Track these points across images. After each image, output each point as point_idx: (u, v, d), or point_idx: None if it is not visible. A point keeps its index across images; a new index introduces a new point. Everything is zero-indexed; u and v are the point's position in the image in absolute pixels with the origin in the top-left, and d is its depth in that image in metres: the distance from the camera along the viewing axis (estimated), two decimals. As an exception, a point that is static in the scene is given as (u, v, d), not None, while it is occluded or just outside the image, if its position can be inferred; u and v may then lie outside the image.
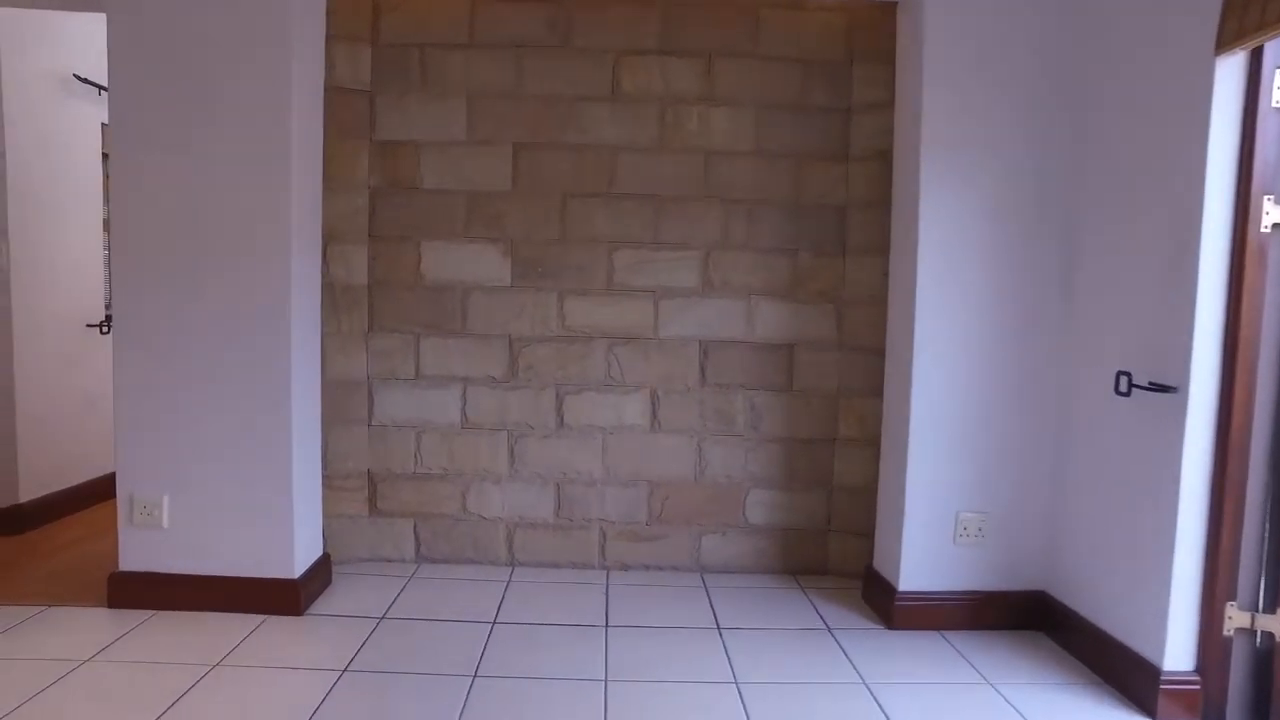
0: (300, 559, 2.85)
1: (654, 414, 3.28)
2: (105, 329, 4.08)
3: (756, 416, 3.29)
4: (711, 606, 3.00)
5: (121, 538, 2.84)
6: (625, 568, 3.32)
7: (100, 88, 3.98)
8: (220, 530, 2.80)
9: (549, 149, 3.21)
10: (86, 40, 3.92)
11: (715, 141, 3.22)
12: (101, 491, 4.10)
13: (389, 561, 3.32)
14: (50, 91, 3.75)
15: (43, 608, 2.84)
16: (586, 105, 3.21)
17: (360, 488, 3.28)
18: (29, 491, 3.68)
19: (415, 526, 3.32)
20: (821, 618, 2.93)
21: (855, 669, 2.55)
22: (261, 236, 2.72)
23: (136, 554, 2.83)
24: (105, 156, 4.13)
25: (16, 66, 3.55)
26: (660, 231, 3.24)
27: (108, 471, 4.12)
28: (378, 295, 3.23)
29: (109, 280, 4.06)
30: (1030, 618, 2.81)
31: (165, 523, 2.81)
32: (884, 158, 3.14)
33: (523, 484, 3.30)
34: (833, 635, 2.79)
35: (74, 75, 3.85)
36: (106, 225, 4.15)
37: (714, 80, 3.21)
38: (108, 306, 4.15)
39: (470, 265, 3.24)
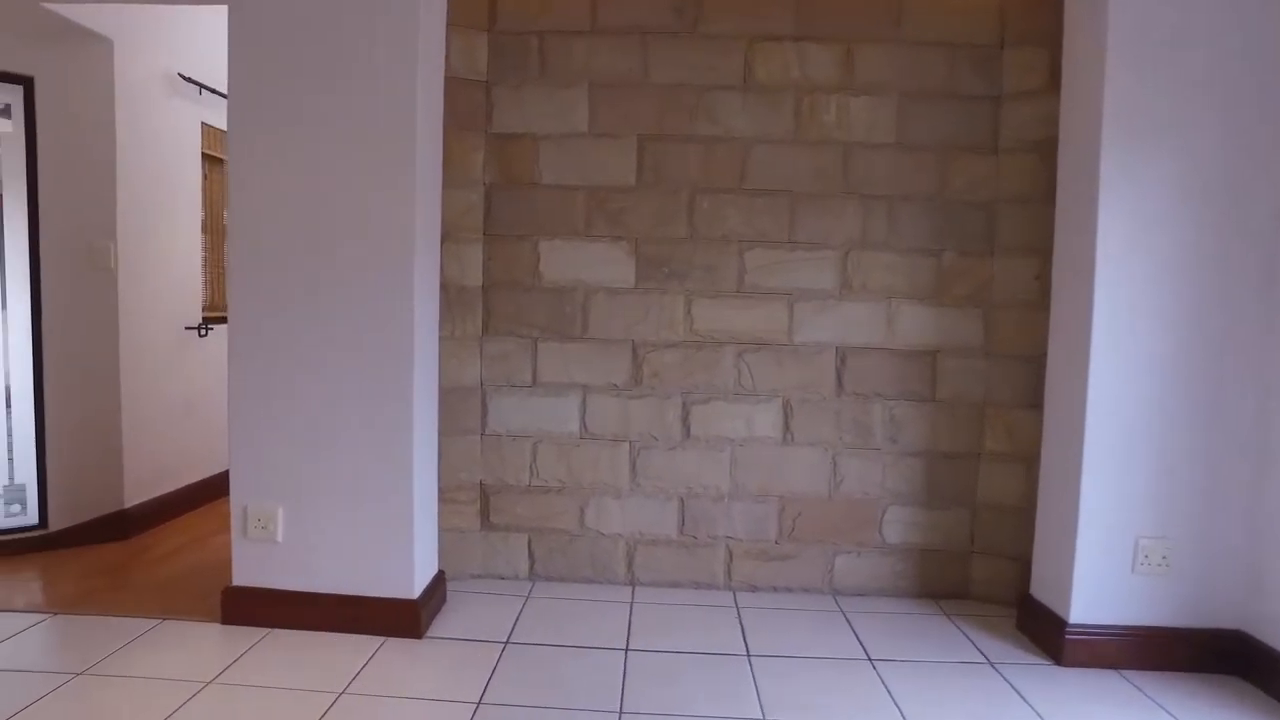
0: (419, 577, 2.66)
1: (786, 425, 3.03)
2: (203, 332, 3.96)
3: (895, 428, 3.01)
4: (855, 634, 2.74)
5: (235, 552, 2.68)
6: (753, 588, 3.07)
7: (201, 87, 3.85)
8: (337, 546, 2.62)
9: (676, 141, 2.98)
10: (187, 39, 3.79)
11: (854, 133, 2.95)
12: (199, 496, 3.98)
13: (501, 579, 3.12)
14: (156, 91, 3.62)
15: (157, 620, 2.69)
16: (716, 95, 2.97)
17: (472, 500, 3.08)
18: (133, 496, 3.56)
19: (529, 542, 3.11)
20: (979, 650, 2.64)
21: (1034, 710, 2.27)
22: (384, 237, 2.53)
23: (250, 569, 2.66)
24: (204, 157, 4.00)
25: (128, 65, 3.43)
26: (795, 230, 2.99)
27: (205, 477, 4.00)
28: (493, 297, 3.03)
29: (207, 283, 3.93)
30: (1225, 660, 2.49)
31: (279, 537, 2.64)
32: (1039, 149, 2.84)
33: (644, 498, 3.07)
34: (998, 671, 2.50)
35: (178, 74, 3.72)
36: (204, 227, 4.03)
37: (853, 67, 2.94)
38: (205, 310, 4.03)
39: (592, 266, 3.02)
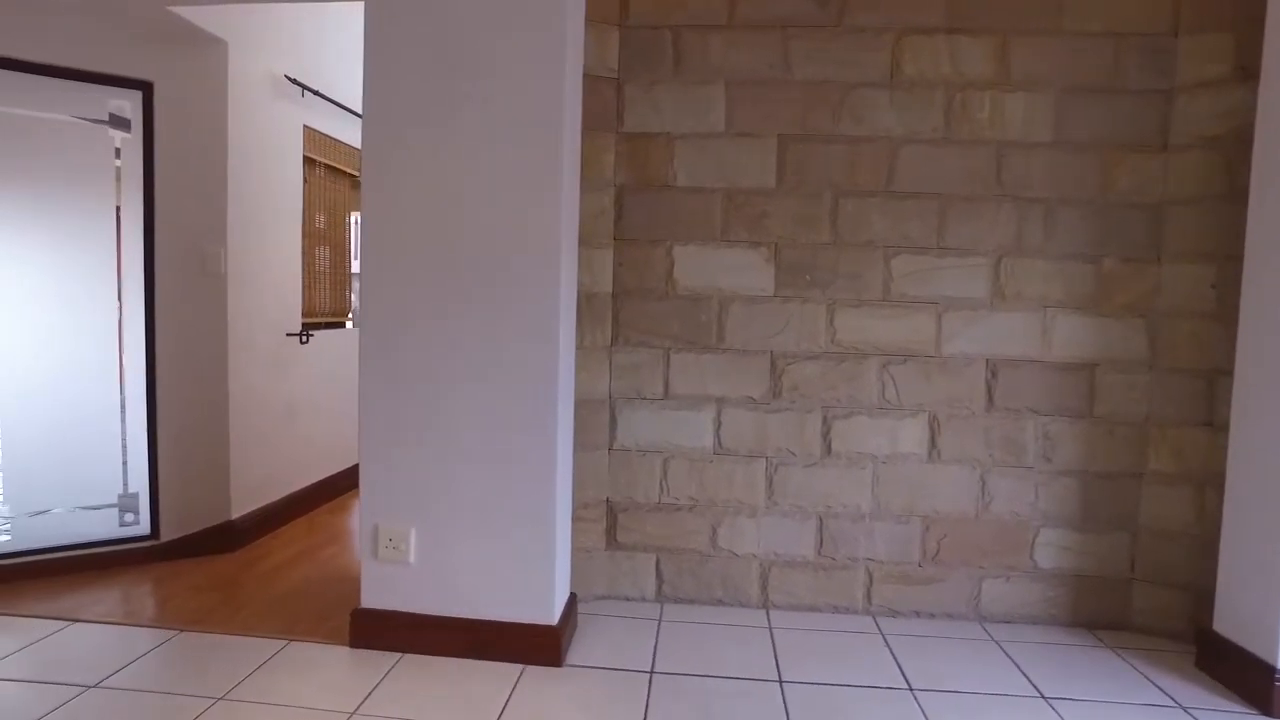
0: (559, 602, 2.49)
1: (932, 441, 2.82)
2: (305, 339, 3.84)
3: (1049, 446, 2.79)
4: (1018, 667, 2.52)
5: (365, 573, 2.53)
6: (893, 613, 2.87)
7: (304, 88, 3.74)
8: (472, 568, 2.47)
9: (818, 141, 2.79)
10: (291, 39, 3.69)
11: (1009, 131, 2.74)
12: (300, 506, 3.87)
13: (627, 600, 2.95)
14: (263, 93, 3.51)
15: (283, 642, 2.56)
16: (861, 92, 2.77)
17: (599, 519, 2.91)
18: (240, 507, 3.45)
19: (658, 562, 2.93)
20: (1162, 691, 2.41)
21: (1248, 765, 2.03)
22: (528, 244, 2.37)
23: (380, 591, 2.52)
24: (305, 160, 3.89)
25: (240, 68, 3.32)
26: (944, 235, 2.78)
27: (305, 485, 3.89)
28: (624, 305, 2.86)
29: (306, 289, 3.82)
30: None
31: (411, 558, 2.49)
32: (1216, 145, 2.60)
33: (780, 517, 2.88)
34: (1193, 718, 2.27)
35: (284, 76, 3.61)
36: (305, 232, 3.92)
37: (1009, 61, 2.72)
38: (305, 316, 3.93)
39: (728, 272, 2.84)
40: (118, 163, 3.10)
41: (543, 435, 2.41)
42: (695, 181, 2.83)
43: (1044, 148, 2.73)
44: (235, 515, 3.41)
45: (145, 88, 3.10)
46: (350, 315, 4.52)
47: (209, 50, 3.20)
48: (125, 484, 3.21)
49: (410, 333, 2.42)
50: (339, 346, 4.27)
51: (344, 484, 4.34)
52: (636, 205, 2.84)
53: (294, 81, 3.66)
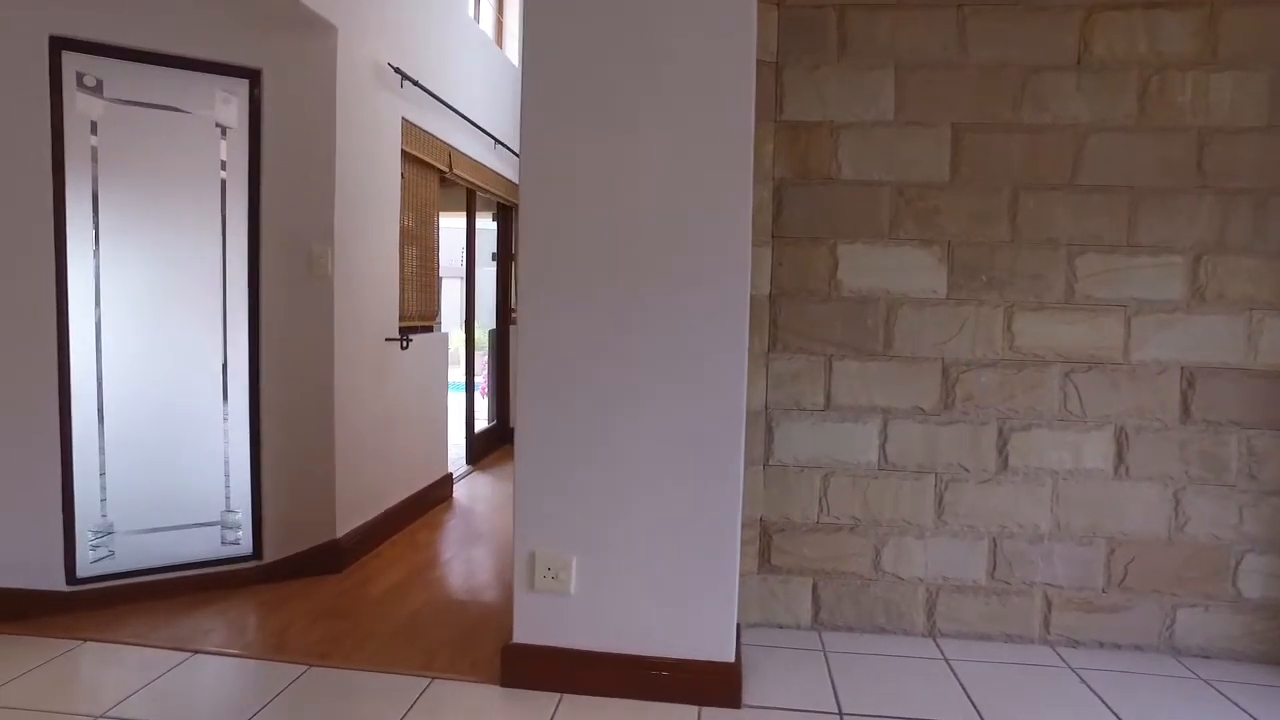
0: (733, 635, 2.23)
1: (1119, 456, 2.55)
2: (405, 344, 3.59)
3: (1255, 462, 2.51)
4: (1249, 715, 2.24)
5: (518, 605, 2.27)
6: (1074, 643, 2.60)
7: (404, 77, 3.49)
8: (640, 599, 2.20)
9: (996, 130, 2.52)
10: (396, 26, 3.44)
11: (1214, 116, 2.47)
12: (396, 522, 3.62)
13: (780, 628, 2.68)
14: (367, 83, 3.27)
15: (425, 679, 2.31)
16: (1045, 76, 2.50)
17: (752, 540, 2.65)
18: (344, 524, 3.20)
19: (815, 587, 2.67)
20: None
21: None
22: (717, 240, 2.11)
23: (535, 625, 2.26)
24: (404, 155, 3.64)
25: (348, 55, 3.07)
26: (1135, 231, 2.51)
27: (401, 500, 3.64)
28: (783, 308, 2.60)
29: (401, 291, 3.57)
30: None
31: (572, 589, 2.23)
32: None
33: (950, 538, 2.61)
34: None
35: (388, 64, 3.36)
36: (404, 232, 3.67)
37: (1215, 37, 2.46)
38: (402, 319, 3.67)
39: (897, 272, 2.57)
40: (222, 157, 2.85)
41: (726, 452, 2.15)
42: (861, 174, 2.57)
43: (1255, 133, 2.46)
44: (340, 533, 3.16)
45: (253, 76, 2.86)
46: (436, 320, 4.26)
47: (320, 36, 2.95)
48: (227, 500, 2.96)
49: (575, 341, 2.16)
50: (428, 352, 4.02)
51: (434, 497, 4.09)
52: (797, 200, 2.58)
53: (397, 70, 3.41)
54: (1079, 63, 2.49)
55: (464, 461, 4.99)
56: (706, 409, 2.14)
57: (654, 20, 2.06)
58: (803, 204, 2.58)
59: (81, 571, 2.72)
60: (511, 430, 5.77)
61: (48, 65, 2.51)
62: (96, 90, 2.62)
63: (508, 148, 5.10)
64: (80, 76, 2.59)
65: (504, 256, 5.67)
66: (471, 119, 4.38)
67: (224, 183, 2.86)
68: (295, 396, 3.02)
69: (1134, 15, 2.46)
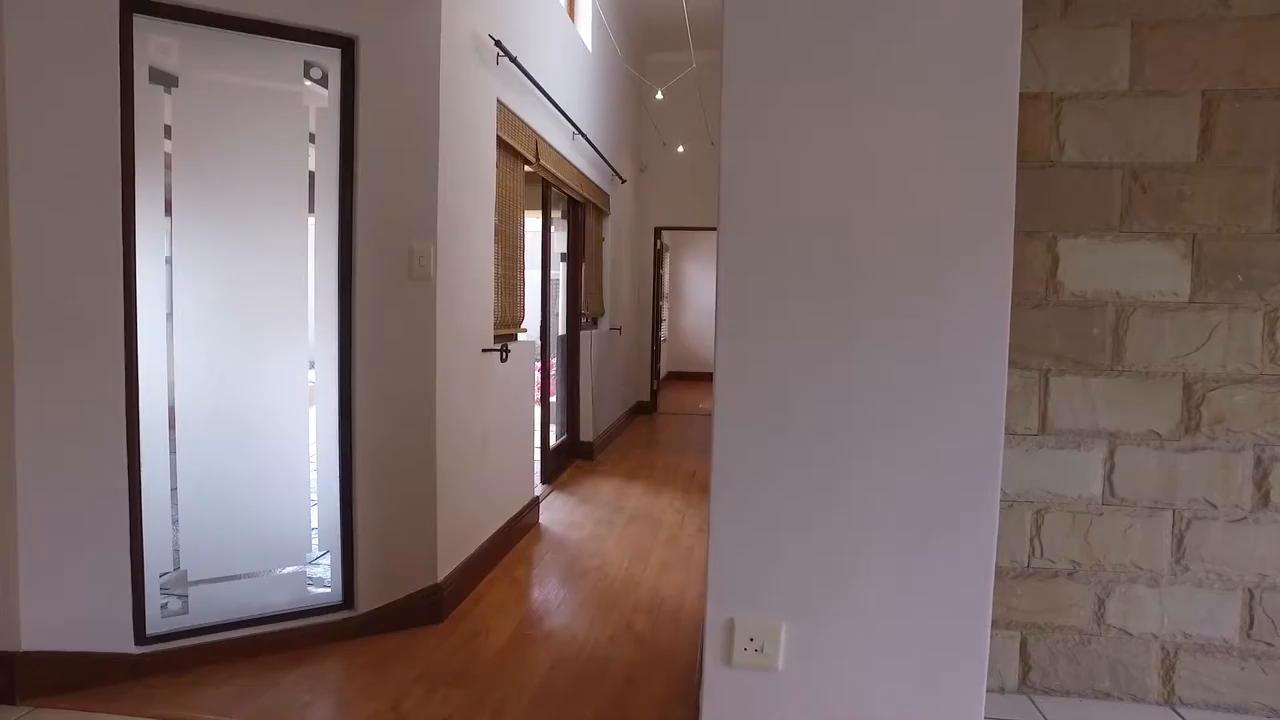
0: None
1: (1401, 490, 2.09)
2: (505, 355, 3.14)
3: None
4: None
5: (709, 682, 1.82)
6: (1341, 714, 2.14)
7: (502, 52, 3.04)
8: (867, 676, 1.74)
9: (1264, 98, 2.07)
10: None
11: None
12: (491, 557, 3.17)
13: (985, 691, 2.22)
14: (466, 58, 2.81)
15: (587, 771, 1.84)
16: (1316, 32, 2.05)
17: (951, 587, 2.19)
18: (445, 564, 2.74)
19: (1024, 643, 2.22)
20: None
21: None
22: (969, 236, 1.64)
23: (733, 708, 1.80)
24: (499, 142, 3.19)
25: (450, 25, 2.62)
26: None
27: (494, 531, 3.18)
28: (992, 315, 2.14)
29: (497, 294, 3.12)
30: None
31: (779, 663, 1.76)
32: None
33: (1193, 588, 2.16)
34: None
35: (489, 36, 2.91)
36: (497, 232, 3.22)
37: None
38: (497, 327, 3.22)
39: (1130, 271, 2.12)
40: (311, 139, 2.40)
41: (980, 496, 1.69)
42: (1087, 155, 2.12)
43: None
44: (441, 575, 2.70)
45: (346, 45, 2.41)
46: (522, 326, 3.81)
47: (421, 2, 2.50)
48: (315, 541, 2.51)
49: (790, 364, 1.70)
50: (518, 362, 3.57)
51: (523, 524, 3.64)
52: (1009, 185, 2.12)
53: (497, 43, 2.96)
54: (1356, 18, 2.04)
55: (539, 480, 4.54)
56: (957, 444, 1.68)
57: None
58: (1016, 192, 2.12)
59: (152, 628, 2.28)
60: (583, 445, 5.30)
61: (118, 30, 2.06)
62: (168, 58, 2.18)
63: (586, 138, 4.65)
64: (152, 45, 2.14)
65: (574, 256, 5.22)
66: (559, 104, 3.93)
67: (312, 174, 2.41)
68: (392, 418, 2.57)
69: None
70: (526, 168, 3.80)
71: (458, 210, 2.79)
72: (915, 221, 1.61)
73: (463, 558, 2.92)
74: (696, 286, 11.93)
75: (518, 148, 3.50)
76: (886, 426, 1.64)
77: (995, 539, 1.66)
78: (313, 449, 2.52)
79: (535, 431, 3.98)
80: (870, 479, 1.67)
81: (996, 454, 1.64)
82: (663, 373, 10.14)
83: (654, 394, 8.11)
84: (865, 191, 1.62)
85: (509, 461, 3.47)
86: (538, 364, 4.38)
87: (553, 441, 4.97)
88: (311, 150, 2.42)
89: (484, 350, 3.09)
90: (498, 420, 3.27)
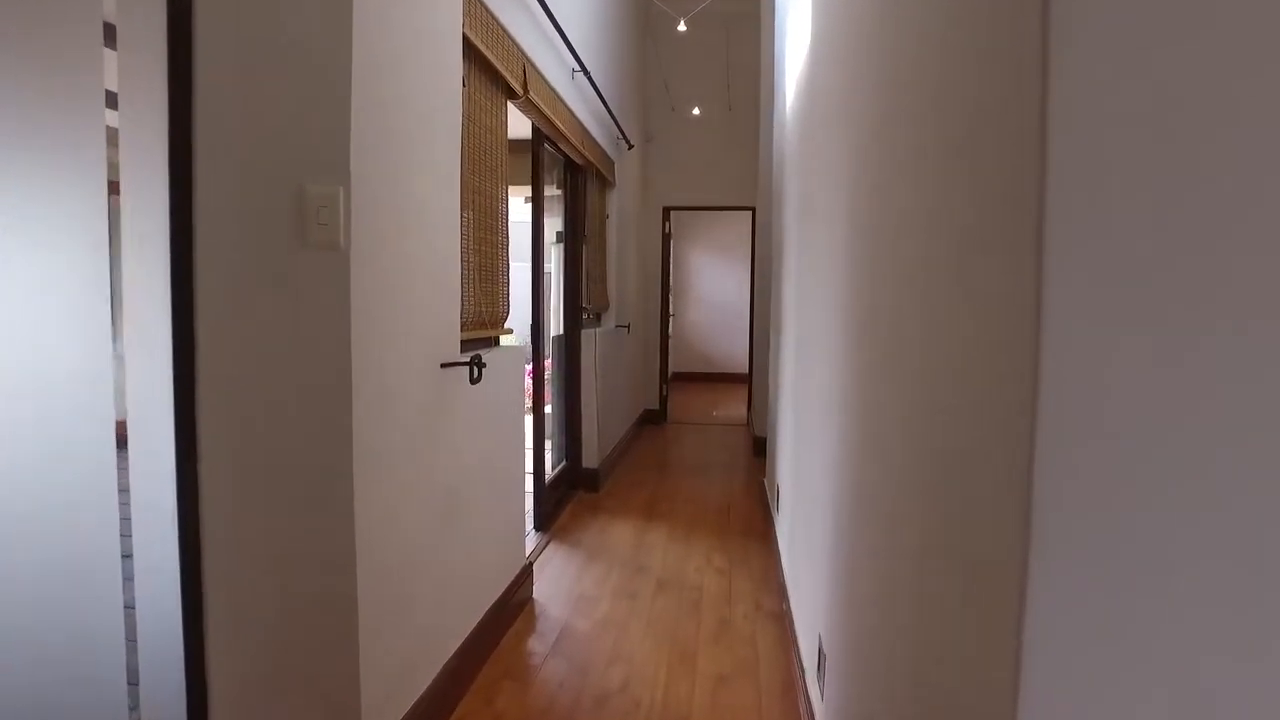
0: None
1: None
2: (477, 374, 2.01)
3: None
4: None
5: None
6: None
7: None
8: None
9: None
10: None
11: None
12: (465, 676, 2.05)
13: None
14: None
15: None
16: None
17: None
18: (377, 716, 1.61)
19: None
20: None
21: None
22: None
23: None
24: (470, 49, 2.04)
25: None
26: None
27: (471, 629, 2.07)
28: None
29: (467, 281, 1.97)
30: None
31: None
32: None
33: None
34: None
35: None
36: (466, 189, 2.08)
37: None
38: (468, 328, 2.07)
39: None
40: (110, 33, 1.26)
41: None
42: None
43: None
44: (368, 740, 1.57)
45: None
46: (506, 326, 2.68)
47: None
48: (134, 698, 1.38)
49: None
50: (500, 376, 2.44)
51: (510, 607, 2.51)
52: None
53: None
54: None
55: (531, 526, 3.42)
56: None
57: None
58: None
59: None
60: (586, 472, 4.18)
61: None
62: None
63: (590, 79, 3.53)
64: None
65: (573, 237, 4.09)
66: (558, 20, 2.81)
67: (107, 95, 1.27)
68: (277, 503, 1.44)
69: None
70: (511, 103, 2.67)
71: (395, 139, 1.66)
72: None
73: (412, 700, 1.79)
74: (707, 277, 10.75)
75: (498, 65, 2.37)
76: None
77: None
78: (132, 543, 1.38)
79: (526, 465, 2.86)
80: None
81: None
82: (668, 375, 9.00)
83: (663, 400, 6.99)
84: None
85: (490, 523, 2.35)
86: (529, 367, 3.27)
87: (548, 471, 3.85)
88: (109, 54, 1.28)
89: (445, 365, 1.95)
90: (471, 466, 2.15)
